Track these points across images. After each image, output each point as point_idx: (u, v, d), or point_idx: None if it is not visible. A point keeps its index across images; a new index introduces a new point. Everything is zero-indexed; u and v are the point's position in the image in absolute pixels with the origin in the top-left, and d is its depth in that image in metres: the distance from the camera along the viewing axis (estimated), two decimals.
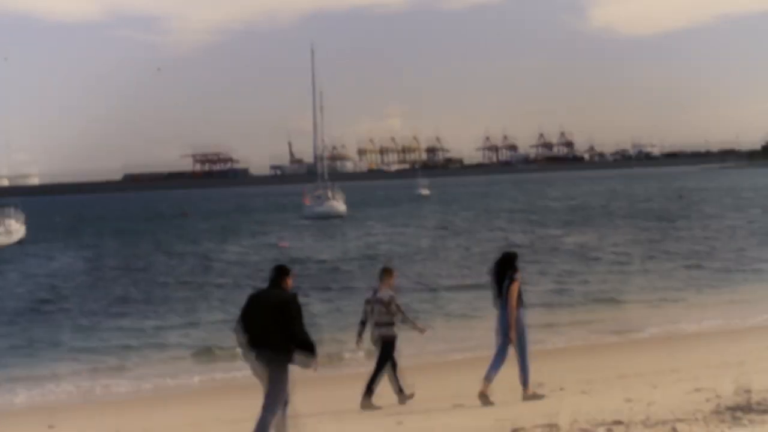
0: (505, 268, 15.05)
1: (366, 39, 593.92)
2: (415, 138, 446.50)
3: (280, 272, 11.75)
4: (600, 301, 32.91)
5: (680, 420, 11.12)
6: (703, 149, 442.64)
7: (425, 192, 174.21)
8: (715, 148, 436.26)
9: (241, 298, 12.21)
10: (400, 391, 16.27)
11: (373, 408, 15.95)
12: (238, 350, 12.17)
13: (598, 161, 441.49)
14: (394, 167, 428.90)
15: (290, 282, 11.75)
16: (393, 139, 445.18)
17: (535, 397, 15.08)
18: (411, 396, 16.34)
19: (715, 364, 17.72)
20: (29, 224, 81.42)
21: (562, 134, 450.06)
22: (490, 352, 15.51)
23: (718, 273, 40.07)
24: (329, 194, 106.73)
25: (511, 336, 14.86)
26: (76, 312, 35.68)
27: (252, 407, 17.13)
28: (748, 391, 13.11)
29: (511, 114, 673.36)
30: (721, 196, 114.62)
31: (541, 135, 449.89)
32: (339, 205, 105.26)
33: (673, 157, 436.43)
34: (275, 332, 11.22)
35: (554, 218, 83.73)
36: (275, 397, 11.38)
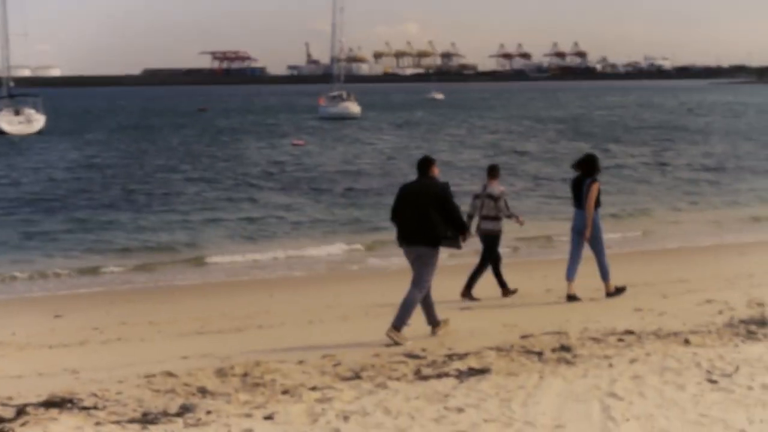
0: (586, 170, 15.00)
1: None
2: (430, 43, 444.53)
3: (427, 163, 12.20)
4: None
5: (693, 332, 10.90)
6: (714, 64, 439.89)
7: (439, 96, 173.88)
8: (725, 64, 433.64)
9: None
10: (503, 285, 16.46)
11: (472, 300, 16.14)
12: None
13: (610, 73, 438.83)
14: (409, 71, 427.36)
15: (436, 171, 12.23)
16: (409, 43, 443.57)
17: (618, 292, 15.24)
18: (515, 291, 16.51)
19: (726, 276, 17.46)
20: (49, 115, 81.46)
21: (576, 44, 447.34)
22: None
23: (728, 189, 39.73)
24: (344, 95, 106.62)
25: (586, 235, 14.91)
26: (77, 206, 35.49)
27: (253, 303, 17.21)
28: (762, 305, 12.91)
29: (526, 23, 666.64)
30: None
31: (555, 44, 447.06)
32: (353, 107, 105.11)
33: (684, 72, 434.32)
34: (429, 219, 11.77)
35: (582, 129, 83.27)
36: (426, 278, 12.08)
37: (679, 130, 78.78)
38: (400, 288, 18.98)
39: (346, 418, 7.99)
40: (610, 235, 25.98)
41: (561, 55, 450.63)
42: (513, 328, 12.31)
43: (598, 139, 67.60)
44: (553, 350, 10.32)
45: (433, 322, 12.44)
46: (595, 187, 14.82)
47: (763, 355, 9.52)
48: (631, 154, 56.09)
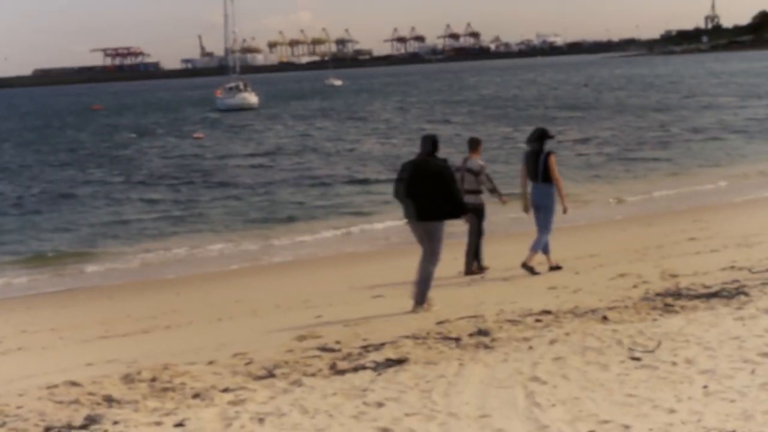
0: (540, 144, 15.11)
1: None
2: (324, 30, 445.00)
3: (434, 142, 12.85)
4: None
5: (610, 308, 10.74)
6: (605, 39, 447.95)
7: (337, 83, 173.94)
8: (616, 38, 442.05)
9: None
10: (478, 260, 16.44)
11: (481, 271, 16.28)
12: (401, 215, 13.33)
13: (504, 52, 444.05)
14: (305, 59, 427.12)
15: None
16: (302, 31, 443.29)
17: (557, 268, 15.33)
18: (486, 268, 16.43)
19: (634, 248, 17.44)
20: None
21: (468, 25, 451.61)
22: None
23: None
24: (241, 86, 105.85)
25: (564, 205, 15.17)
26: None
27: (159, 303, 16.69)
28: (675, 276, 12.85)
29: (418, 6, 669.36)
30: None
31: (448, 26, 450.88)
32: (251, 98, 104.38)
33: (576, 47, 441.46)
34: (435, 195, 12.48)
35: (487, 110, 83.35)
36: (437, 250, 12.83)
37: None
38: (309, 279, 18.85)
39: (261, 421, 7.61)
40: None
41: (455, 36, 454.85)
42: (428, 315, 12.05)
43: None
44: (471, 335, 10.06)
45: (421, 300, 12.83)
46: (553, 159, 14.99)
47: (683, 327, 9.37)
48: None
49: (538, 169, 14.97)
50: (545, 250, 15.45)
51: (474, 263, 16.40)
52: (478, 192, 16.08)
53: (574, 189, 30.87)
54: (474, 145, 16.29)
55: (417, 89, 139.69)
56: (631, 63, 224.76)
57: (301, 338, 11.12)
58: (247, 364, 9.81)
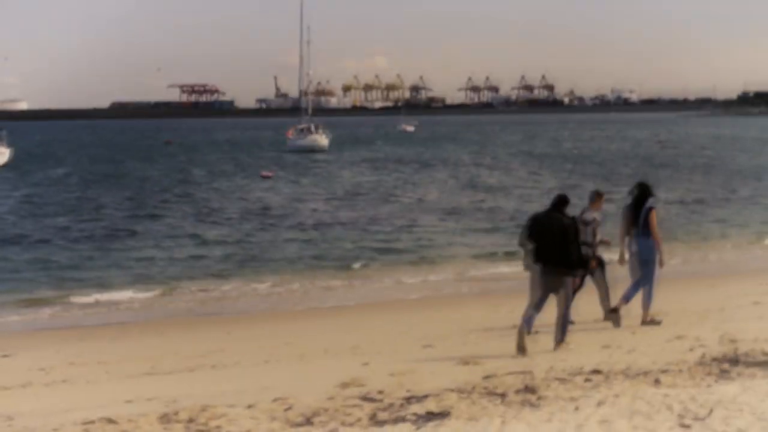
0: (642, 198, 15.26)
1: None
2: (399, 76, 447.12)
3: (562, 200, 13.59)
4: None
5: (663, 371, 10.37)
6: (680, 97, 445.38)
7: (410, 128, 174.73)
8: (692, 97, 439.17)
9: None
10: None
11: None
12: (522, 262, 13.84)
13: (578, 105, 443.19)
14: (378, 104, 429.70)
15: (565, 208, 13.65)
16: (377, 76, 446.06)
17: (653, 323, 15.31)
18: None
19: (696, 310, 17.00)
20: (16, 148, 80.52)
21: (543, 77, 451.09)
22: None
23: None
24: (312, 128, 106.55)
25: (661, 259, 15.26)
26: (41, 240, 34.72)
27: (209, 341, 16.58)
28: (734, 341, 12.43)
29: (494, 56, 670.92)
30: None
31: (523, 77, 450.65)
32: (322, 139, 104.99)
33: (651, 104, 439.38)
34: (560, 249, 13.18)
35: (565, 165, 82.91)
36: (569, 297, 13.53)
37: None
38: (361, 325, 18.65)
39: None
40: None
41: (529, 88, 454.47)
42: (476, 368, 11.78)
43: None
44: (517, 392, 9.75)
45: (560, 339, 13.54)
46: (654, 214, 15.14)
47: (737, 395, 8.98)
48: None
49: (639, 223, 15.12)
50: (645, 305, 15.50)
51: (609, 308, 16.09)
52: (589, 245, 15.74)
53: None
54: (596, 198, 16.13)
55: (493, 140, 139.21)
56: (714, 123, 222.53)
57: (345, 386, 10.90)
58: (287, 409, 9.60)
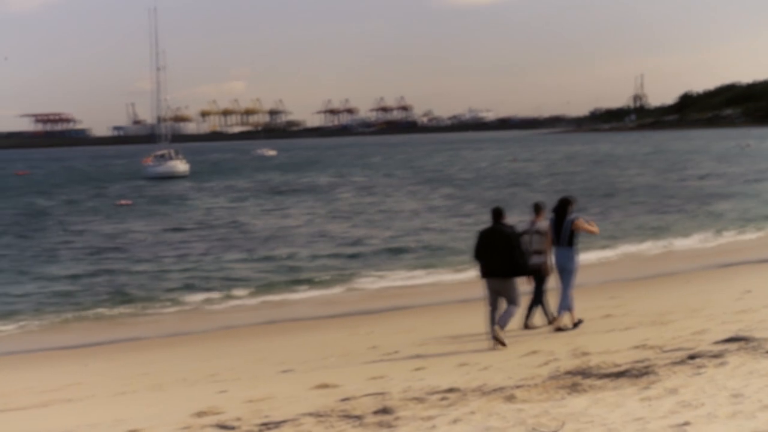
0: (563, 211, 16.42)
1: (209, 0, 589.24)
2: (257, 100, 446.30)
3: (498, 213, 15.26)
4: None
5: (518, 386, 10.52)
6: (534, 115, 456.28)
7: (270, 153, 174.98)
8: (546, 114, 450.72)
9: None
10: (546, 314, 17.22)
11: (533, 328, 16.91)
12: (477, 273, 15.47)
13: (435, 126, 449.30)
14: (237, 129, 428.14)
15: (505, 218, 15.24)
16: (236, 101, 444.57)
17: (560, 330, 16.24)
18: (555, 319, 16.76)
19: (547, 325, 17.28)
20: None
21: (401, 98, 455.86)
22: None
23: None
24: (171, 154, 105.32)
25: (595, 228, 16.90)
26: None
27: (65, 374, 16.12)
28: (586, 354, 12.69)
29: (351, 79, 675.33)
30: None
31: (381, 99, 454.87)
32: (180, 165, 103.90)
33: (505, 123, 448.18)
34: (504, 257, 14.86)
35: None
36: (516, 299, 15.17)
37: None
38: (219, 352, 18.43)
39: None
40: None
41: (386, 109, 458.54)
42: (334, 390, 11.72)
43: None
44: (374, 413, 9.76)
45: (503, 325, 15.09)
46: (579, 221, 16.40)
47: (587, 408, 9.16)
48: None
49: (561, 234, 16.25)
50: (569, 308, 16.46)
51: (532, 318, 17.08)
52: (544, 252, 16.71)
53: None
54: (538, 208, 17.00)
55: (355, 162, 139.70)
56: (564, 140, 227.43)
57: (201, 414, 10.73)
58: None
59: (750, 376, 10.03)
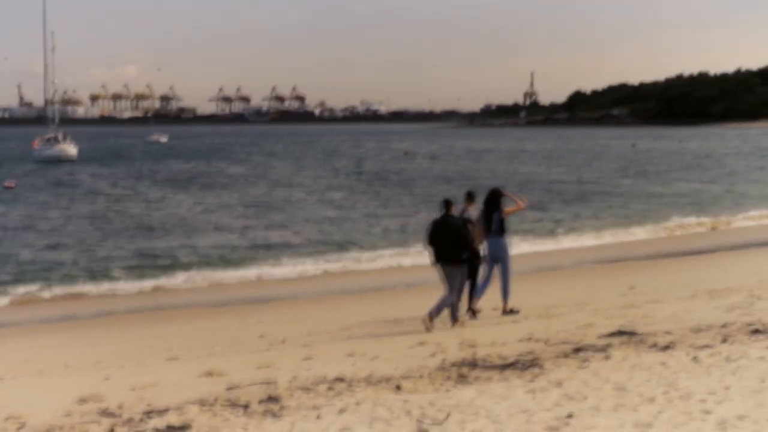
0: (492, 202, 16.92)
1: None
2: (148, 86, 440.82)
3: (448, 204, 16.09)
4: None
5: (405, 377, 10.53)
6: (427, 109, 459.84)
7: (163, 139, 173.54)
8: (438, 109, 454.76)
9: None
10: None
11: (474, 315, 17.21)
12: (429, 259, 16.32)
13: (329, 117, 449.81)
14: (127, 114, 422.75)
15: (454, 209, 16.13)
16: (126, 86, 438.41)
17: (512, 312, 16.90)
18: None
19: (440, 316, 17.33)
20: None
21: (294, 89, 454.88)
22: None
23: None
24: (59, 137, 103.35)
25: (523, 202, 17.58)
26: None
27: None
28: (473, 346, 12.76)
29: (244, 67, 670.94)
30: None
31: (274, 88, 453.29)
32: (70, 149, 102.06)
33: (398, 116, 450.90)
34: (454, 246, 15.82)
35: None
36: (457, 287, 16.09)
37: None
38: (104, 338, 18.10)
39: None
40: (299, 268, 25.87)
41: (280, 99, 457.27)
42: (220, 379, 11.59)
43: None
44: (260, 402, 9.67)
45: (455, 318, 16.23)
46: (508, 209, 17.11)
47: (474, 399, 9.22)
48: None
49: (492, 225, 16.81)
50: (504, 297, 17.01)
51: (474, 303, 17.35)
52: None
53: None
54: (470, 197, 17.38)
55: (247, 151, 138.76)
56: (466, 135, 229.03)
57: (83, 401, 10.50)
58: (20, 428, 9.18)
59: (633, 369, 10.20)
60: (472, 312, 17.08)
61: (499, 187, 17.47)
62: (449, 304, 16.10)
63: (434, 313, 15.83)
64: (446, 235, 15.89)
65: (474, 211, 17.09)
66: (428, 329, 15.45)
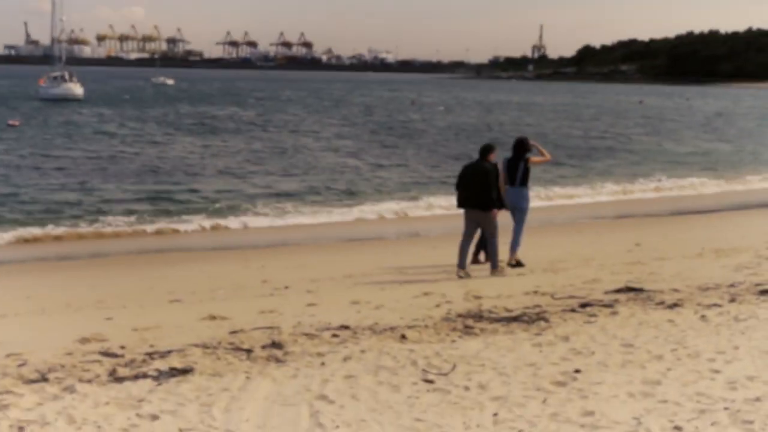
0: (519, 152, 16.95)
1: None
2: (155, 28, 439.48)
3: (487, 149, 16.03)
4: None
5: (410, 327, 10.44)
6: (435, 59, 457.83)
7: (169, 81, 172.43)
8: (446, 59, 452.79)
9: None
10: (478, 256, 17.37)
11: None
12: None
13: (336, 64, 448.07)
14: (134, 56, 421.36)
15: (493, 156, 16.00)
16: (133, 27, 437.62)
17: (518, 265, 16.69)
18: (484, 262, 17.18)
19: (442, 265, 17.25)
20: None
21: (302, 35, 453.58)
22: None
23: None
24: (66, 76, 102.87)
25: (546, 156, 17.82)
26: None
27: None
28: (479, 298, 12.68)
29: (252, 11, 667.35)
30: None
31: (281, 34, 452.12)
32: (76, 88, 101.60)
33: (406, 65, 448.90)
34: (483, 191, 15.71)
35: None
36: (494, 231, 15.97)
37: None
38: (107, 279, 18.02)
39: (20, 429, 6.98)
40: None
41: (287, 45, 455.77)
42: (223, 323, 11.50)
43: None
44: (264, 347, 9.60)
45: (494, 265, 16.17)
46: (532, 159, 17.05)
47: (480, 351, 9.13)
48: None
49: (517, 174, 16.80)
50: (513, 248, 16.90)
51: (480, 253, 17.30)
52: None
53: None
54: (488, 151, 16.41)
55: (255, 96, 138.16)
56: (476, 87, 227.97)
57: (84, 341, 10.42)
58: (21, 365, 9.10)
59: (640, 326, 10.12)
60: (517, 263, 16.87)
61: (524, 137, 17.37)
62: (496, 243, 16.06)
63: (494, 262, 16.07)
64: (475, 181, 15.77)
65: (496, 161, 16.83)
66: (463, 276, 15.63)
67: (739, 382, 7.74)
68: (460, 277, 15.56)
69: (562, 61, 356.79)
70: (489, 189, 15.69)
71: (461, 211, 16.31)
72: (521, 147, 16.96)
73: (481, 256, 17.15)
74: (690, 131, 74.47)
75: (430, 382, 8.10)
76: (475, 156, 16.18)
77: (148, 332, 10.94)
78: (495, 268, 16.03)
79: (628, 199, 33.96)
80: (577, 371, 8.26)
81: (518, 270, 16.38)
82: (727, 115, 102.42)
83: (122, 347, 9.90)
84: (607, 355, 8.80)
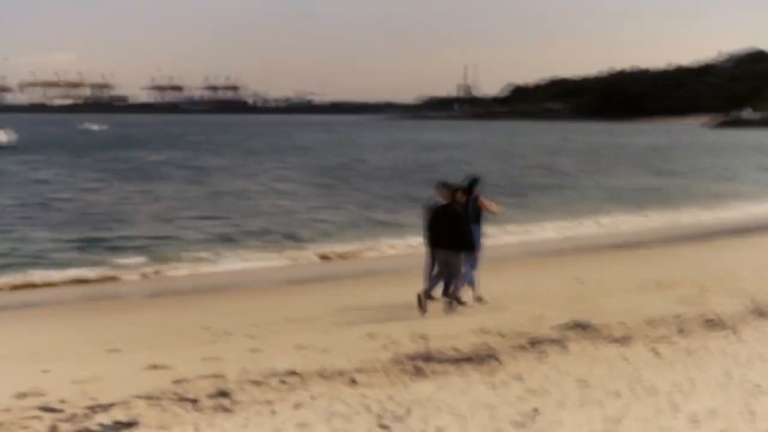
0: (471, 189, 17.10)
1: None
2: (80, 74, 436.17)
3: (475, 182, 16.89)
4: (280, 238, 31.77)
5: (359, 370, 10.21)
6: (363, 101, 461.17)
7: (97, 127, 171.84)
8: (371, 100, 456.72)
9: None
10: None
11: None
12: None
13: (264, 107, 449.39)
14: (58, 102, 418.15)
15: (456, 197, 16.31)
16: (57, 73, 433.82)
17: (481, 300, 16.91)
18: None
19: (385, 306, 17.03)
20: None
21: (228, 78, 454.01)
22: None
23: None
24: None
25: (494, 208, 17.47)
26: None
27: None
28: (425, 338, 12.48)
29: (178, 56, 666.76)
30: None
31: (207, 78, 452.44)
32: (3, 136, 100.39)
33: (336, 107, 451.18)
34: (451, 233, 15.97)
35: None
36: (458, 272, 16.19)
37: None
38: (41, 330, 17.52)
39: None
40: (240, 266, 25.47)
41: (213, 88, 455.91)
42: (166, 372, 11.16)
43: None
44: (210, 396, 9.32)
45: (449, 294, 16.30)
46: (481, 199, 17.16)
47: (433, 394, 8.94)
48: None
49: (469, 212, 16.77)
50: (473, 284, 17.00)
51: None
52: None
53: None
54: (443, 188, 16.67)
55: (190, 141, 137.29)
56: (415, 127, 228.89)
57: (22, 396, 10.05)
58: None
59: (593, 363, 10.01)
60: (479, 299, 17.01)
61: (477, 176, 17.66)
62: (460, 284, 16.32)
63: (456, 294, 16.26)
64: (445, 222, 16.01)
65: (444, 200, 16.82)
66: (423, 311, 15.78)
67: (700, 416, 7.63)
68: (422, 305, 15.91)
69: (496, 101, 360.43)
70: (463, 231, 16.06)
71: (425, 249, 16.50)
72: (472, 185, 17.17)
73: (435, 293, 16.95)
74: (625, 167, 75.27)
75: (386, 427, 7.88)
76: (423, 194, 16.81)
77: (88, 384, 10.57)
78: (460, 304, 16.26)
79: (567, 235, 34.05)
80: (536, 411, 8.10)
81: (461, 308, 16.22)
82: (661, 150, 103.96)
83: (62, 401, 9.55)
84: (563, 394, 8.65)
